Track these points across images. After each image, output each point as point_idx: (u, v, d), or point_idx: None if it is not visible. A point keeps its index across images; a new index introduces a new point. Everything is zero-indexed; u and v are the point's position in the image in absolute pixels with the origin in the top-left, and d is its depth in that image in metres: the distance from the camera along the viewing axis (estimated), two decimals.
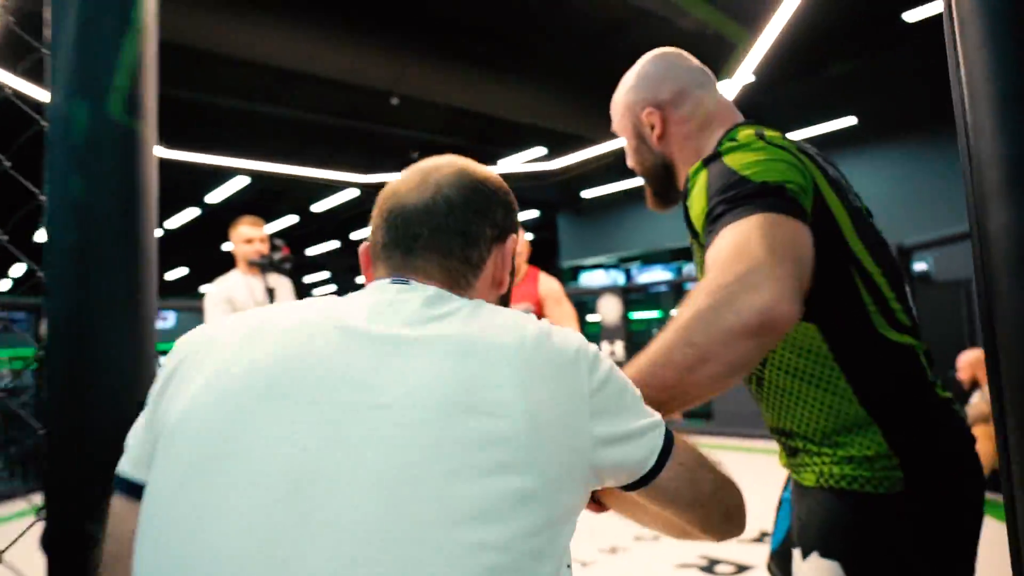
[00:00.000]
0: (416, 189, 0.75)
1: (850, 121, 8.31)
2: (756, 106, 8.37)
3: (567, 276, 13.36)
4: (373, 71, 6.19)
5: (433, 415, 0.57)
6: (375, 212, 0.78)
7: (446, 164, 0.78)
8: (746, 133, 1.01)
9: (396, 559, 0.52)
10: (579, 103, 7.57)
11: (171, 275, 19.04)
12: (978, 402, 4.13)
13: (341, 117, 7.62)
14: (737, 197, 0.87)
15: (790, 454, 1.04)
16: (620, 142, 1.19)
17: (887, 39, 6.76)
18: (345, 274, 21.27)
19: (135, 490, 0.63)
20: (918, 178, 8.05)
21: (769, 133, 1.01)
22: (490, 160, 9.36)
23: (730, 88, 6.75)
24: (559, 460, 0.59)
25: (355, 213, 12.37)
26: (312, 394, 0.58)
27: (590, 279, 12.69)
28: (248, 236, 3.09)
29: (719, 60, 6.50)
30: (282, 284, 3.16)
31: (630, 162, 1.19)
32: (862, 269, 0.95)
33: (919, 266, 6.54)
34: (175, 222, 12.16)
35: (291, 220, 12.81)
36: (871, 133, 8.47)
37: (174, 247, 14.34)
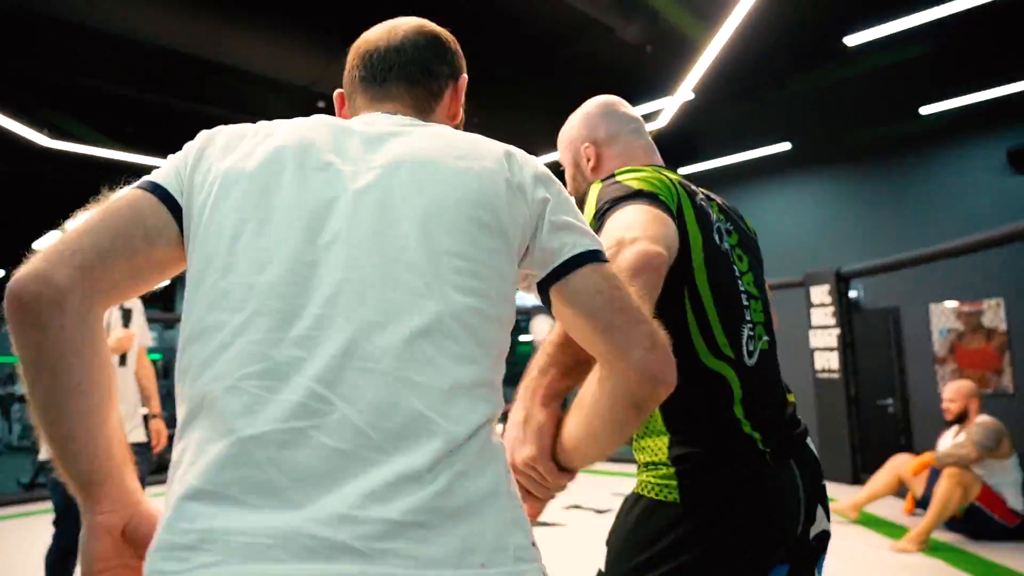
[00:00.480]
0: (385, 36, 0.92)
1: (784, 147, 8.33)
2: (693, 127, 8.33)
3: None
4: (298, 64, 5.71)
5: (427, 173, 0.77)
6: (351, 57, 0.94)
7: (407, 20, 0.95)
8: (648, 166, 1.20)
9: (384, 259, 0.72)
10: (520, 116, 7.29)
11: None
12: (961, 442, 3.94)
13: (262, 117, 7.08)
14: (620, 197, 1.05)
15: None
16: (558, 158, 1.38)
17: (826, 64, 6.76)
18: None
19: (168, 199, 0.76)
20: (849, 206, 8.12)
21: (666, 170, 1.19)
22: None
23: (670, 105, 6.59)
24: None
25: None
26: (323, 162, 0.76)
27: (523, 299, 12.36)
28: None
29: (660, 74, 6.33)
30: (137, 305, 2.89)
31: (568, 188, 1.33)
32: (695, 293, 1.06)
33: (851, 293, 6.50)
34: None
35: None
36: (805, 159, 8.53)
37: None
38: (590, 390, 0.82)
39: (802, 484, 1.08)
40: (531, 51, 6.38)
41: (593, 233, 0.82)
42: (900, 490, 4.28)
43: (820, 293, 5.65)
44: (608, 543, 1.09)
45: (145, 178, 0.79)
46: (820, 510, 1.12)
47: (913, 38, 5.78)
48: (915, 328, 6.91)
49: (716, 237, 1.13)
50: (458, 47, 0.97)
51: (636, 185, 1.08)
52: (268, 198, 0.73)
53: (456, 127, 0.95)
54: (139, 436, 2.74)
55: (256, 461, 0.64)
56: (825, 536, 1.14)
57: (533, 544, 0.72)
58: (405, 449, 0.66)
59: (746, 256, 1.21)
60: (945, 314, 7.02)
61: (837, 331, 5.54)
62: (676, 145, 8.62)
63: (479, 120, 6.88)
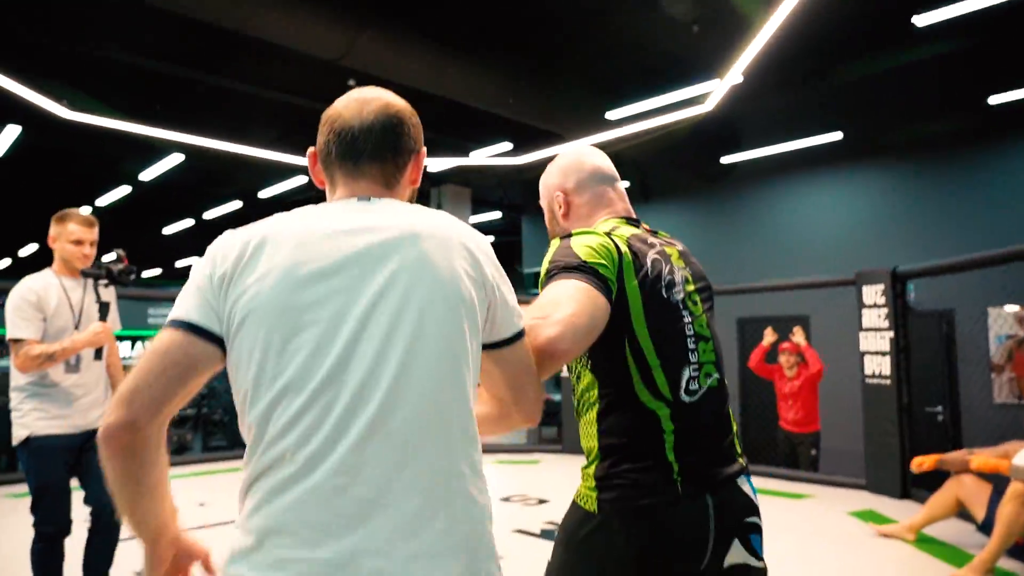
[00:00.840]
0: (357, 116, 1.08)
1: (835, 136, 7.87)
2: (738, 114, 7.91)
3: (529, 282, 12.75)
4: (322, 37, 5.45)
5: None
6: (325, 127, 1.10)
7: (374, 97, 1.10)
8: (607, 224, 1.38)
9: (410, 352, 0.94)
10: (550, 94, 6.95)
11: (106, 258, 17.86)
12: None
13: (290, 93, 6.87)
14: (565, 267, 1.23)
15: None
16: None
17: (887, 47, 6.29)
18: None
19: (202, 332, 0.95)
20: (905, 202, 7.65)
21: (623, 229, 1.35)
22: (453, 151, 8.68)
23: (718, 89, 6.21)
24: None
25: (304, 200, 11.57)
26: (343, 269, 0.96)
27: None
28: (78, 237, 2.71)
29: (706, 56, 5.95)
30: (112, 296, 2.85)
31: (548, 229, 1.52)
32: (635, 342, 1.25)
33: None
34: (106, 200, 11.16)
35: (234, 206, 11.91)
36: (857, 151, 8.06)
37: (106, 228, 13.29)
38: (484, 410, 1.16)
39: (714, 518, 1.21)
40: (567, 23, 6.03)
41: (520, 311, 1.10)
42: (961, 510, 3.92)
43: (873, 293, 5.26)
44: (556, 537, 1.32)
45: (184, 318, 0.96)
46: (739, 545, 1.24)
47: (982, 21, 5.33)
48: (970, 332, 6.47)
49: (664, 291, 1.29)
50: (417, 120, 1.14)
51: (582, 255, 1.23)
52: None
53: (413, 191, 1.17)
54: None
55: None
56: (746, 570, 1.25)
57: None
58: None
59: (701, 300, 1.36)
60: (1005, 319, 6.56)
61: (890, 334, 5.16)
62: (719, 133, 8.21)
63: (514, 97, 6.58)
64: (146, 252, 17.05)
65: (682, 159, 8.79)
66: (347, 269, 0.95)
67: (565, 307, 1.15)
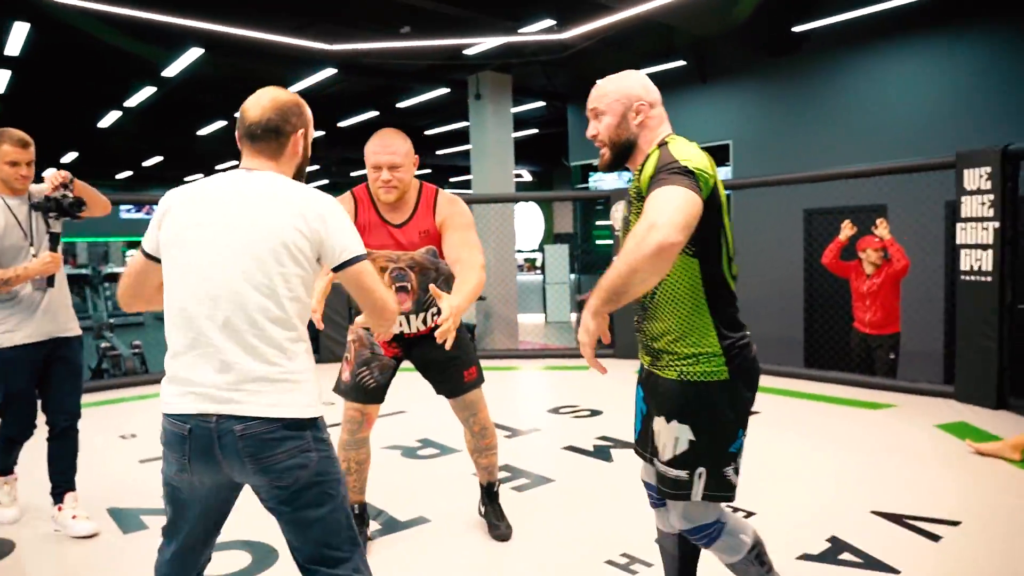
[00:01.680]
0: (257, 109, 1.56)
1: None
2: None
3: (576, 177, 12.07)
4: None
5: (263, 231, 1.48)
6: (240, 116, 1.59)
7: (269, 95, 1.59)
8: (680, 138, 1.66)
9: (241, 260, 1.45)
10: None
11: (148, 163, 17.73)
12: None
13: None
14: (671, 171, 1.51)
15: (654, 357, 1.72)
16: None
17: None
18: (339, 166, 19.93)
19: (153, 259, 1.56)
20: (1010, 71, 6.63)
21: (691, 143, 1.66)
22: (492, 31, 7.87)
23: None
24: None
25: (336, 94, 10.95)
26: (218, 223, 1.48)
27: (601, 182, 11.40)
28: (13, 158, 2.68)
29: None
30: (59, 229, 2.85)
31: (602, 133, 1.73)
32: (724, 237, 1.63)
33: None
34: (135, 100, 10.75)
35: None
36: (953, 12, 6.96)
37: (141, 129, 13.00)
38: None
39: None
40: None
41: (352, 250, 1.54)
42: None
43: (977, 177, 4.53)
44: (686, 422, 1.65)
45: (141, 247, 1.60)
46: None
47: None
48: None
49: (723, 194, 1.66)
50: (300, 108, 1.62)
51: (691, 164, 1.53)
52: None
53: (300, 163, 1.64)
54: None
55: None
56: None
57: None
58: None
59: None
60: None
61: (995, 224, 4.47)
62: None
63: None
64: (185, 155, 16.82)
65: (745, 31, 7.81)
66: (213, 222, 1.50)
67: (675, 211, 1.43)
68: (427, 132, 14.64)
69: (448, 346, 1.94)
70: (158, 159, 17.29)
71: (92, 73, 9.52)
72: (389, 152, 2.31)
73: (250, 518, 2.93)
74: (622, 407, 4.60)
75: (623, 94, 1.69)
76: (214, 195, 1.50)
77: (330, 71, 9.19)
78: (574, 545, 2.68)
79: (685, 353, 1.63)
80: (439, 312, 2.39)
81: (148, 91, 10.17)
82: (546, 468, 3.58)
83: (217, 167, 18.68)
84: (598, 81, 1.75)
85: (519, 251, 21.29)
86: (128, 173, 20.09)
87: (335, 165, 19.94)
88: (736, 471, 1.67)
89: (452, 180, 25.00)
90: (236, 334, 1.44)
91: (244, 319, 1.44)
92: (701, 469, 1.63)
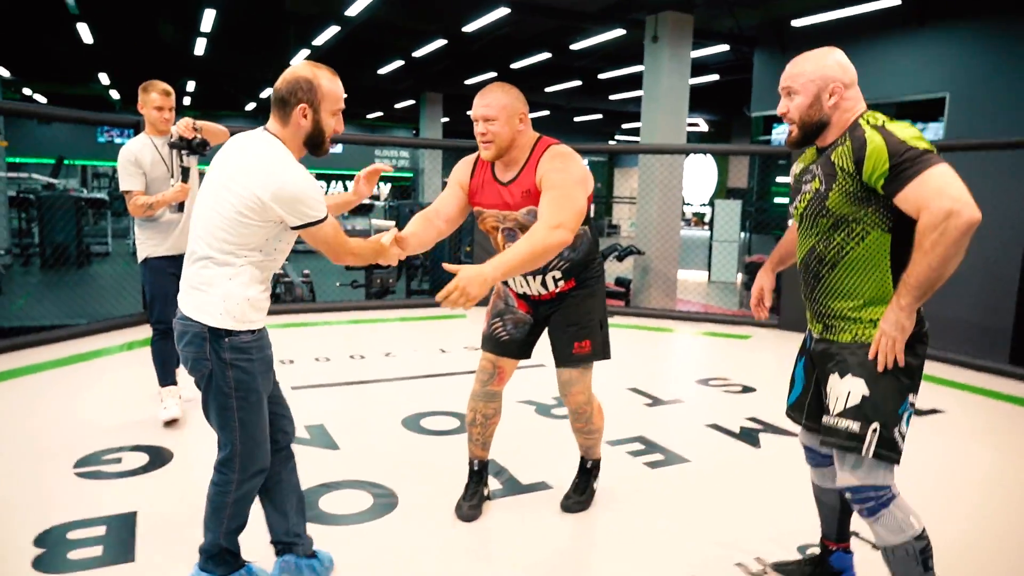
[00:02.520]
0: (279, 78, 1.83)
1: None
2: None
3: (757, 129, 11.12)
4: None
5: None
6: None
7: (291, 69, 1.84)
8: (880, 116, 1.67)
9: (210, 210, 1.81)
10: None
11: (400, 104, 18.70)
12: None
13: None
14: (917, 157, 1.55)
15: (827, 326, 1.78)
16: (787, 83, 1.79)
17: None
18: None
19: None
20: None
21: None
22: None
23: None
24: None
25: (508, 36, 10.79)
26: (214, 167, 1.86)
27: (784, 135, 10.39)
28: (159, 104, 3.34)
29: None
30: (193, 163, 3.44)
31: (792, 112, 1.76)
32: None
33: None
34: (321, 39, 11.32)
35: (440, 43, 11.49)
36: None
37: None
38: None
39: None
40: None
41: (307, 214, 1.77)
42: None
43: None
44: (861, 375, 1.68)
45: None
46: None
47: None
48: None
49: None
50: (312, 86, 1.80)
51: (917, 144, 1.57)
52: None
53: (309, 132, 1.85)
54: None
55: None
56: None
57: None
58: None
59: None
60: None
61: None
62: None
63: None
64: (366, 94, 17.65)
65: None
66: (216, 166, 1.87)
67: (955, 191, 1.51)
68: (600, 76, 14.15)
69: (455, 308, 1.88)
70: (411, 102, 18.26)
71: (284, 14, 10.10)
72: (483, 104, 2.21)
73: (374, 461, 3.01)
74: (779, 388, 4.23)
75: (819, 75, 1.71)
76: (228, 145, 1.88)
77: (503, 11, 9.03)
78: (702, 538, 2.45)
79: (864, 319, 1.69)
80: (562, 276, 2.35)
81: (332, 30, 10.63)
82: (684, 446, 3.32)
83: (396, 104, 19.47)
84: (794, 59, 1.78)
85: (687, 204, 20.33)
86: (379, 114, 21.49)
87: None
88: (903, 435, 1.67)
89: (625, 127, 24.24)
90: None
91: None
92: (875, 424, 1.64)
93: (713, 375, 4.70)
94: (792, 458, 3.14)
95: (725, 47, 10.94)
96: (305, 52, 12.35)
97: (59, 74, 16.37)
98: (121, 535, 2.31)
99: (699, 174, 18.37)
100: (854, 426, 1.66)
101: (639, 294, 8.99)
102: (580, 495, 2.66)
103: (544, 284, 2.37)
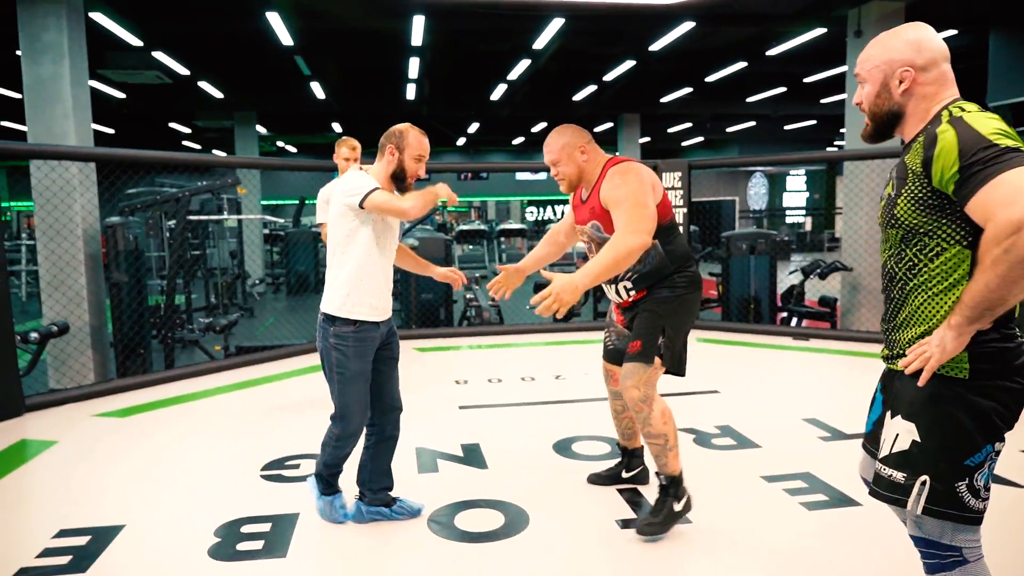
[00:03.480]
0: None
1: None
2: None
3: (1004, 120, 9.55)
4: None
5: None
6: None
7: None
8: (969, 105, 1.39)
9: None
10: None
11: (535, 128, 19.56)
12: None
13: None
14: (996, 154, 1.27)
15: (896, 352, 1.51)
16: (858, 70, 1.55)
17: None
18: (713, 122, 19.33)
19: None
20: None
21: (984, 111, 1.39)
22: None
23: None
24: None
25: (700, 50, 10.45)
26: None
27: None
28: (346, 156, 4.06)
29: None
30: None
31: (865, 102, 1.54)
32: None
33: None
34: (514, 74, 11.88)
35: (627, 65, 11.47)
36: None
37: (526, 100, 14.35)
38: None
39: None
40: None
41: (357, 191, 2.40)
42: None
43: None
44: (912, 419, 1.44)
45: None
46: None
47: None
48: None
49: None
50: (402, 134, 2.47)
51: (1001, 141, 1.29)
52: None
53: (394, 169, 2.48)
54: None
55: None
56: None
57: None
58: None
59: None
60: None
61: None
62: None
63: None
64: (564, 120, 18.10)
65: None
66: None
67: None
68: (806, 79, 13.16)
69: (548, 313, 2.06)
70: (543, 125, 18.97)
71: (480, 52, 10.77)
72: (547, 152, 2.60)
73: (516, 482, 3.07)
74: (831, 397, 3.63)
75: (884, 59, 1.48)
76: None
77: (688, 24, 8.81)
78: None
79: (908, 340, 1.46)
80: (632, 287, 2.58)
81: (524, 64, 11.12)
82: (857, 488, 2.95)
83: (595, 128, 19.75)
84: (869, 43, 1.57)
85: None
86: (520, 139, 22.53)
87: (708, 122, 19.37)
88: (975, 491, 1.39)
89: (843, 131, 22.20)
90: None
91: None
92: (924, 477, 1.40)
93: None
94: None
95: (951, 32, 9.61)
96: (502, 87, 13.04)
97: (303, 127, 18.98)
98: (282, 532, 2.62)
99: None
100: (898, 476, 1.43)
101: (848, 314, 8.15)
102: (655, 515, 2.54)
103: (618, 292, 2.64)
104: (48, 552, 2.49)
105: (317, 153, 21.91)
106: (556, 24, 8.71)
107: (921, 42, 1.46)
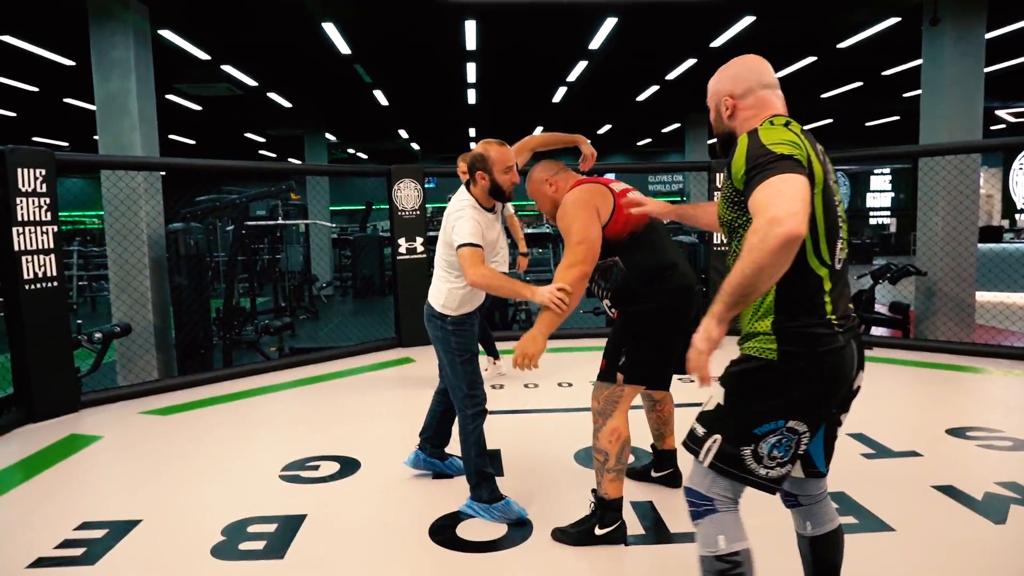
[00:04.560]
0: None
1: None
2: None
3: None
4: None
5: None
6: None
7: (472, 152, 2.78)
8: (779, 120, 1.60)
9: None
10: None
11: (601, 131, 19.37)
12: None
13: None
14: (770, 161, 1.45)
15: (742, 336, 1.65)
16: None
17: None
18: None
19: None
20: None
21: (793, 124, 1.60)
22: None
23: None
24: None
25: (767, 46, 10.07)
26: None
27: None
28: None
29: None
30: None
31: (714, 126, 1.80)
32: (813, 218, 1.50)
33: None
34: (573, 75, 11.77)
35: (689, 63, 11.17)
36: None
37: (576, 102, 14.19)
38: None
39: (857, 357, 1.61)
40: None
41: (462, 235, 2.61)
42: None
43: None
44: (724, 385, 1.61)
45: None
46: (861, 373, 1.66)
47: None
48: None
49: (827, 177, 1.56)
50: (484, 157, 2.66)
51: (782, 150, 1.47)
52: None
53: (487, 187, 2.70)
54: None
55: None
56: (857, 390, 1.68)
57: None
58: None
59: (838, 190, 1.64)
60: None
61: None
62: None
63: None
64: (630, 121, 17.85)
65: None
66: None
67: (787, 200, 1.38)
68: (884, 72, 12.46)
69: (527, 369, 2.37)
70: (607, 127, 18.76)
71: (534, 55, 10.73)
72: (529, 193, 2.78)
73: (515, 487, 2.99)
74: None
75: (713, 90, 1.77)
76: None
77: (748, 19, 8.49)
78: None
79: (746, 331, 1.63)
80: (611, 304, 2.63)
81: (581, 65, 11.01)
82: (892, 510, 2.73)
83: (662, 129, 19.38)
84: None
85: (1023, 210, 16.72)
86: (647, 140, 22.32)
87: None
88: (758, 458, 1.57)
89: None
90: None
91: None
92: (717, 436, 1.60)
93: (976, 424, 3.80)
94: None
95: None
96: (562, 89, 12.96)
97: (370, 133, 19.45)
98: (285, 534, 2.64)
99: None
100: (700, 431, 1.63)
101: (923, 321, 7.63)
102: (573, 526, 2.53)
103: (608, 309, 2.67)
104: (66, 543, 2.60)
105: (387, 159, 22.41)
106: (610, 23, 8.58)
107: (739, 74, 1.71)
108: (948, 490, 2.93)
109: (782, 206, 1.36)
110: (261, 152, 21.90)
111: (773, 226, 1.35)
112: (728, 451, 1.56)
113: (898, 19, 8.69)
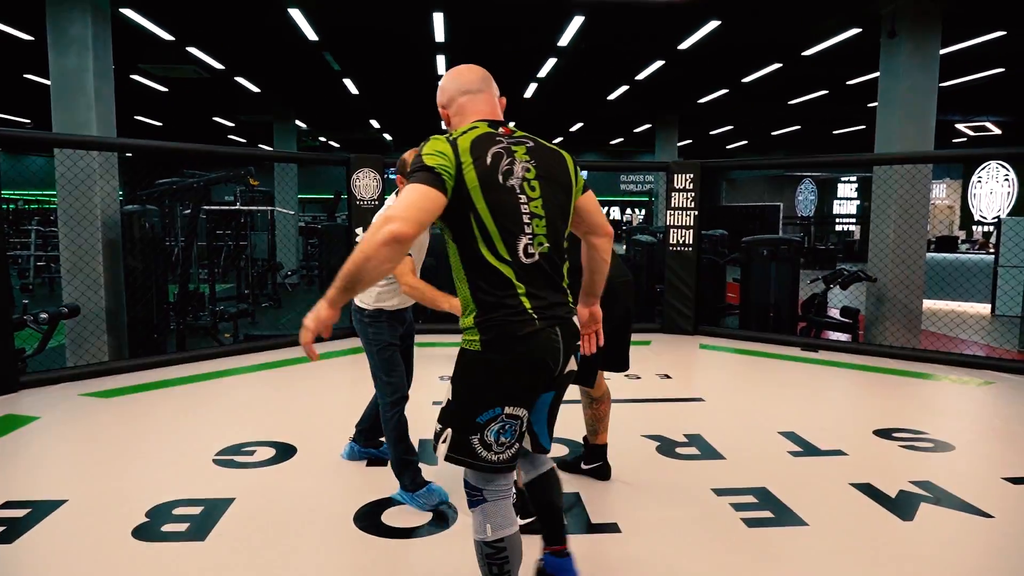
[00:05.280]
0: None
1: None
2: None
3: None
4: None
5: None
6: None
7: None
8: (464, 128, 1.75)
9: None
10: None
11: (639, 129, 19.38)
12: None
13: None
14: (415, 168, 1.64)
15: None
16: None
17: None
18: (753, 122, 18.85)
19: None
20: None
21: (473, 132, 1.72)
22: None
23: None
24: None
25: (731, 48, 10.17)
26: None
27: None
28: None
29: None
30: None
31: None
32: (477, 216, 1.65)
33: None
34: (645, 73, 11.82)
35: (657, 65, 11.27)
36: None
37: (644, 98, 14.22)
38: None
39: (562, 342, 1.72)
40: None
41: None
42: None
43: None
44: (451, 381, 1.74)
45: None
46: (572, 358, 1.80)
47: None
48: None
49: (501, 178, 1.68)
50: (403, 161, 2.69)
51: (427, 160, 1.63)
52: None
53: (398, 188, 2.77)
54: None
55: None
56: (572, 374, 1.83)
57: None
58: None
59: (540, 186, 1.74)
60: None
61: None
62: None
63: None
64: (603, 120, 17.95)
65: None
66: None
67: (408, 206, 1.56)
68: (848, 82, 12.71)
69: None
70: (579, 124, 18.87)
71: (504, 51, 10.74)
72: None
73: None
74: (987, 450, 3.90)
75: (438, 101, 1.93)
76: None
77: (714, 23, 8.61)
78: None
79: (460, 325, 1.75)
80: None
81: (551, 62, 11.05)
82: (809, 507, 2.82)
83: (633, 129, 19.51)
84: None
85: (980, 223, 17.18)
86: (559, 139, 22.45)
87: (751, 123, 18.91)
88: (487, 445, 1.69)
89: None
90: None
91: None
92: (449, 429, 1.72)
93: (902, 425, 3.93)
94: (949, 541, 2.55)
95: (999, 33, 9.14)
96: (533, 86, 12.99)
97: (341, 122, 19.27)
98: (210, 517, 2.65)
99: (994, 187, 15.49)
100: (439, 427, 1.75)
101: (873, 326, 7.83)
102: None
103: None
104: None
105: (359, 148, 22.24)
106: (577, 22, 8.63)
107: (444, 86, 1.88)
108: (865, 488, 3.03)
109: (398, 209, 1.53)
110: (230, 137, 21.57)
111: (384, 224, 1.50)
112: (459, 440, 1.69)
113: (859, 30, 8.87)
